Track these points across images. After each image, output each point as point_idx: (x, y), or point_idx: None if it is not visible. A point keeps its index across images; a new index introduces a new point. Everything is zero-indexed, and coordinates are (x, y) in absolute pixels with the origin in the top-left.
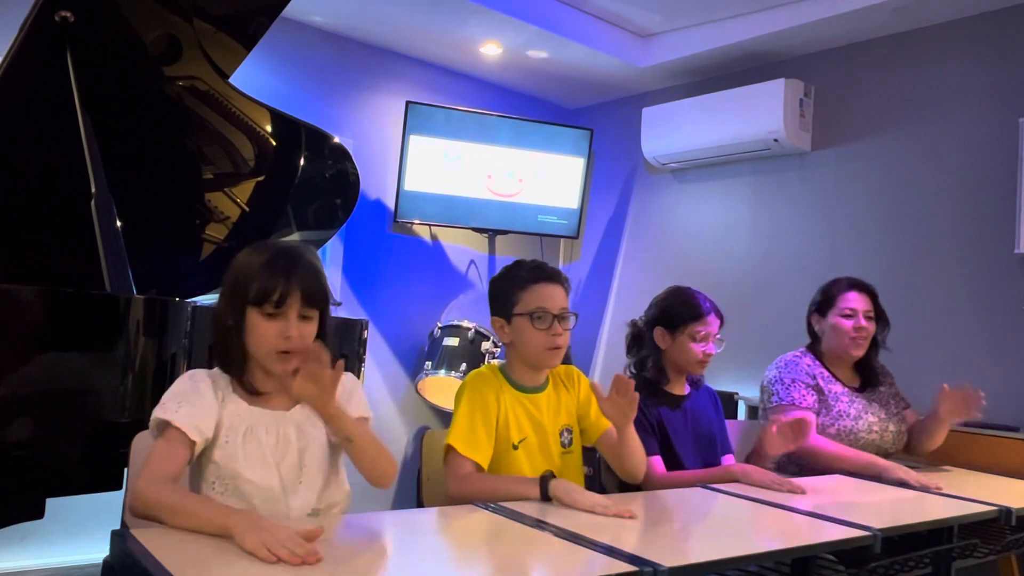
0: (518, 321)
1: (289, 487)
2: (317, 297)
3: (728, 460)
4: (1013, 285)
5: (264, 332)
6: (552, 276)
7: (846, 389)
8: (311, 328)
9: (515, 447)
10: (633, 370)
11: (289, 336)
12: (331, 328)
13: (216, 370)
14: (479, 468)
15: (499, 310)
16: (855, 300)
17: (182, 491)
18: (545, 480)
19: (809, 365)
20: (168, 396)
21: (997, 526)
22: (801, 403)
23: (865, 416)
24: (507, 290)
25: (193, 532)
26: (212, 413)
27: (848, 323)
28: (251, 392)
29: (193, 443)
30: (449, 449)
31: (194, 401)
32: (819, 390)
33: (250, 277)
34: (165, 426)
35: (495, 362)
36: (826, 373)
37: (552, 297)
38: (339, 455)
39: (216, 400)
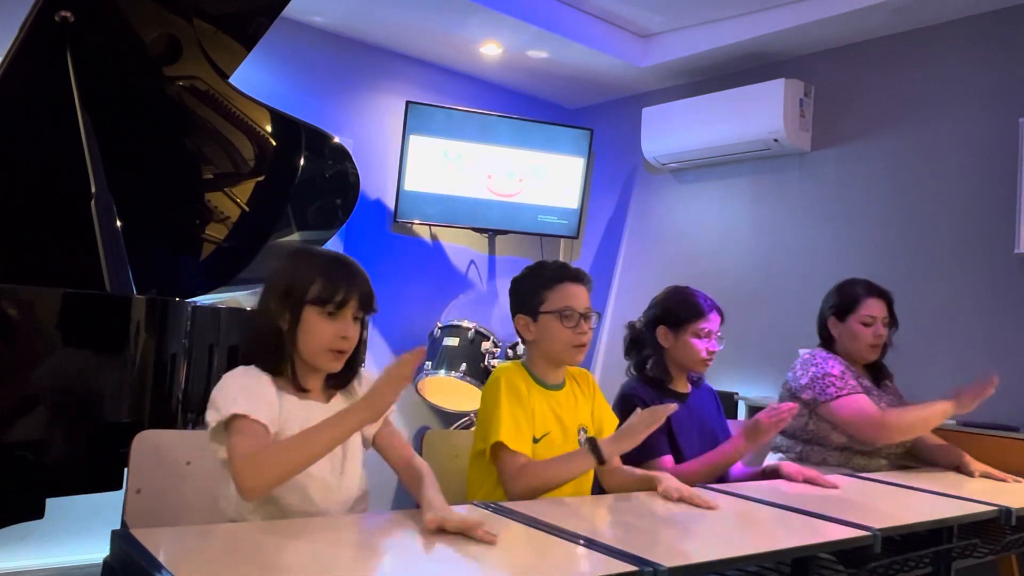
0: (545, 319)
1: (337, 477)
2: (371, 301)
3: None
4: (1013, 285)
5: (322, 331)
6: (578, 276)
7: (869, 383)
8: (359, 330)
9: (536, 440)
10: (633, 371)
11: (347, 336)
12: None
13: (255, 368)
14: (527, 459)
15: (524, 308)
16: (875, 307)
17: (284, 441)
18: (595, 447)
19: (839, 360)
20: (233, 392)
21: (997, 526)
22: (860, 389)
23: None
24: (533, 288)
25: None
26: (275, 407)
27: (868, 331)
28: (298, 389)
29: (268, 434)
30: (499, 447)
31: (259, 394)
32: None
33: (311, 278)
34: (238, 420)
35: (507, 363)
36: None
37: (578, 296)
38: (367, 449)
39: (276, 394)
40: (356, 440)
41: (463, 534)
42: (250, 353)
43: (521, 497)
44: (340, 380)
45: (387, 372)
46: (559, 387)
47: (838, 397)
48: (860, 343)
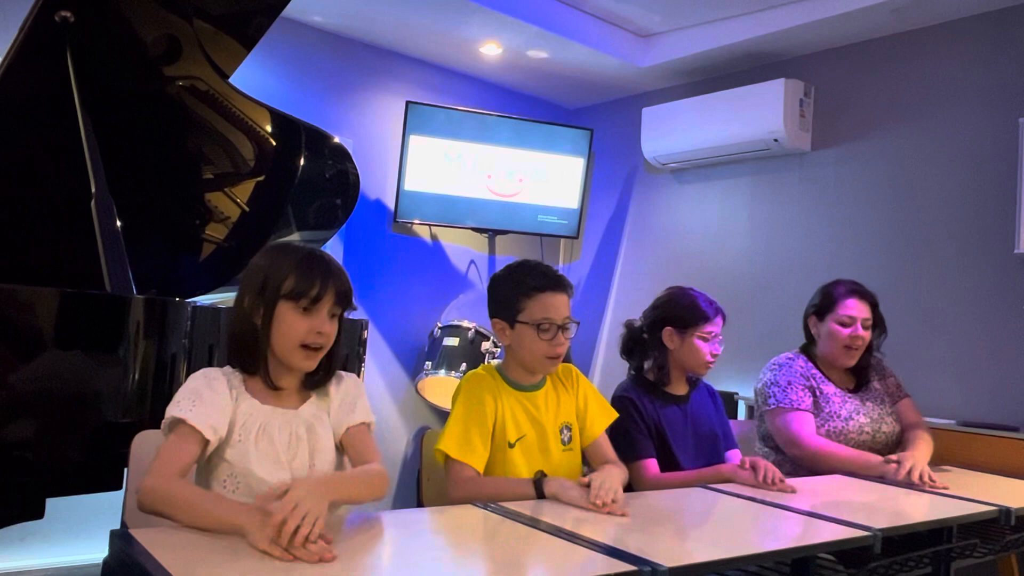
0: (522, 328)
1: None
2: (348, 297)
3: (734, 456)
4: (1013, 285)
5: (296, 326)
6: (558, 285)
7: (839, 390)
8: (335, 327)
9: (511, 445)
10: (632, 371)
11: (321, 332)
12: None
13: (228, 368)
14: (476, 472)
15: (502, 313)
16: (855, 308)
17: (193, 487)
18: (539, 481)
19: (803, 367)
20: (182, 394)
21: (997, 526)
22: (800, 405)
23: (856, 417)
24: (512, 295)
25: (200, 530)
26: (227, 412)
27: (845, 331)
28: (270, 388)
29: (206, 441)
30: (444, 456)
31: (209, 399)
32: (813, 391)
33: (284, 273)
34: (178, 424)
35: (492, 362)
36: (819, 374)
37: (557, 307)
38: (343, 456)
39: (231, 398)
40: (326, 443)
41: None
42: (228, 352)
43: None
44: (316, 380)
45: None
46: (537, 387)
47: (772, 409)
48: (836, 344)
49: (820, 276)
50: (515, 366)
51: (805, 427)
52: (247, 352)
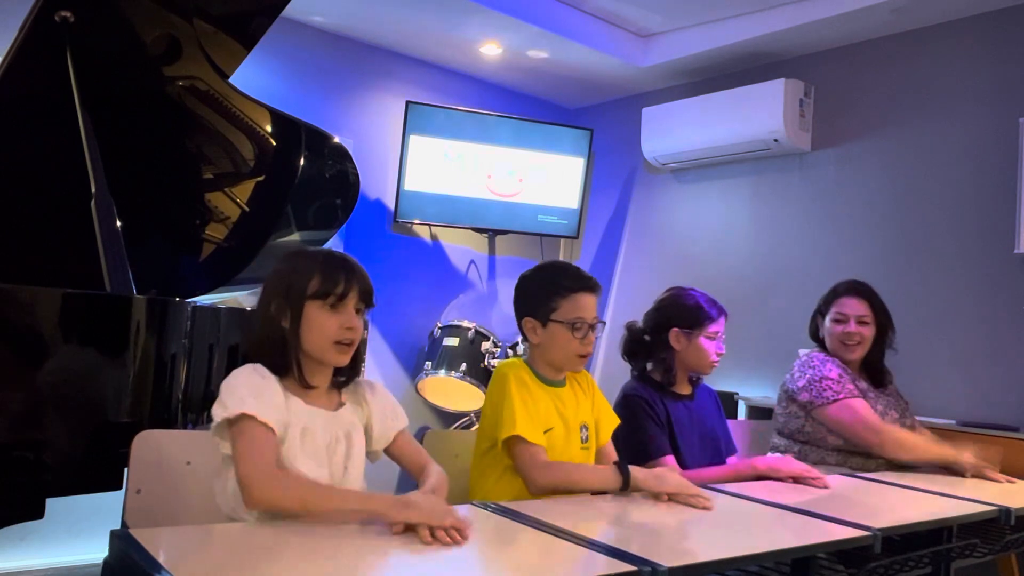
0: (555, 327)
1: (336, 484)
2: (370, 294)
3: (734, 461)
4: (1013, 285)
5: (327, 323)
6: (591, 286)
7: (866, 385)
8: (361, 324)
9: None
10: (636, 372)
11: (351, 327)
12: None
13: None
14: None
15: (534, 312)
16: (848, 305)
17: (311, 482)
18: (626, 471)
19: (836, 362)
20: (242, 389)
21: (996, 526)
22: (857, 393)
23: (890, 412)
24: (546, 294)
25: (323, 518)
26: (282, 410)
27: (838, 328)
28: (304, 387)
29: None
30: (516, 440)
31: (267, 396)
32: (854, 383)
33: (309, 273)
34: (246, 419)
35: (510, 359)
36: (849, 371)
37: (589, 307)
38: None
39: (282, 395)
40: (360, 449)
41: (429, 528)
42: (253, 358)
43: (542, 491)
44: (345, 378)
45: (435, 509)
46: (561, 384)
47: (835, 401)
48: (833, 340)
49: (820, 276)
50: (543, 364)
51: (872, 413)
52: (276, 356)
